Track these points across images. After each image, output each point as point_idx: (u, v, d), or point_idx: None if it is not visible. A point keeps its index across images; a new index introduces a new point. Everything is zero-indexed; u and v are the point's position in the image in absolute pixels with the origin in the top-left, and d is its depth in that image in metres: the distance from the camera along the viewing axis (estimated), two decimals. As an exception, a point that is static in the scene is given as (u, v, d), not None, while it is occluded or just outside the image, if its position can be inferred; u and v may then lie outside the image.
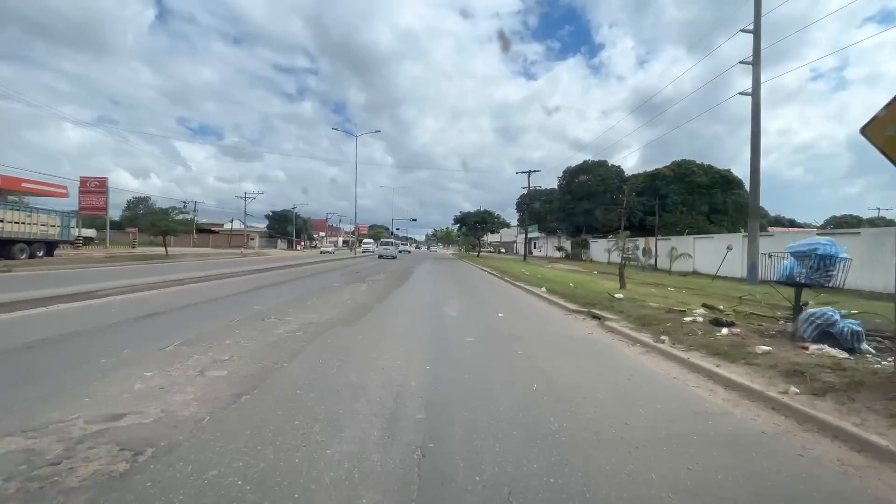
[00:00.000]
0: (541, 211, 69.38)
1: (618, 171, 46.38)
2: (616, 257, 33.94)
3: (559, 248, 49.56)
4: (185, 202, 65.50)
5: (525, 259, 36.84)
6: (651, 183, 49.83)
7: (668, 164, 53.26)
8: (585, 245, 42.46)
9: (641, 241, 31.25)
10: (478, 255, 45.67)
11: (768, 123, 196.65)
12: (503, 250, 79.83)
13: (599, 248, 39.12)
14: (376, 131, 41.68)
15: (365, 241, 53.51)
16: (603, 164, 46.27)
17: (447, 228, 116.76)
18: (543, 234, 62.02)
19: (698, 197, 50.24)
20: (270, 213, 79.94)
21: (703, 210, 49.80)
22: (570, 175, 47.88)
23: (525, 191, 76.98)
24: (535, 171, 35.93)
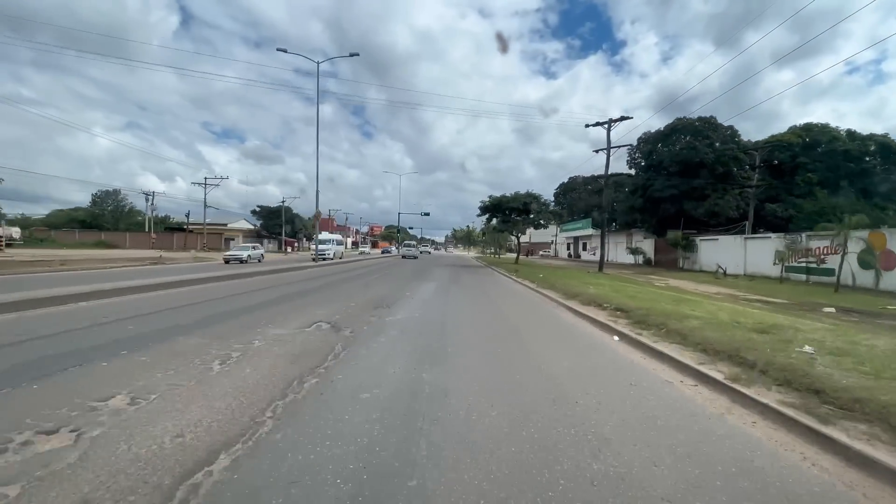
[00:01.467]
0: (591, 202, 53.67)
1: (731, 133, 30.53)
2: (779, 268, 18.15)
3: (634, 251, 34.03)
4: (147, 194, 53.59)
5: (601, 269, 21.80)
6: (769, 155, 33.64)
7: (786, 129, 36.82)
8: (689, 245, 26.89)
9: (865, 234, 15.53)
10: (516, 262, 30.80)
11: (799, 119, 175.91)
12: (547, 252, 64.11)
13: (730, 251, 23.51)
14: (353, 54, 21.47)
15: (323, 238, 30.96)
16: (709, 122, 30.52)
17: (468, 227, 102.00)
18: (596, 231, 46.41)
19: (845, 174, 33.75)
20: (257, 209, 67.55)
21: (849, 192, 33.20)
22: (654, 142, 32.33)
23: (561, 184, 61.21)
24: (622, 119, 20.89)
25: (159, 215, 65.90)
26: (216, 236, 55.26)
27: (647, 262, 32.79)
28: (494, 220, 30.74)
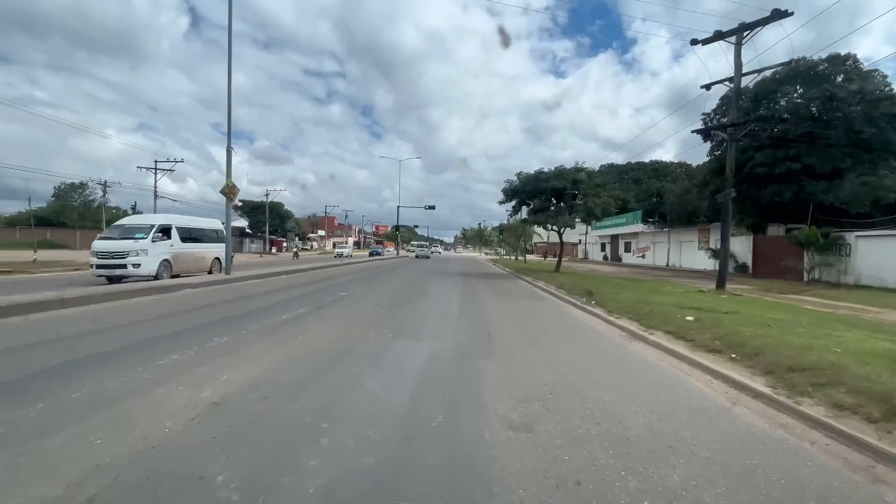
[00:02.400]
0: (629, 191, 44.02)
1: (881, 79, 20.65)
2: None
3: (717, 253, 24.29)
4: (102, 183, 45.43)
5: (721, 285, 12.43)
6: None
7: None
8: (831, 246, 17.28)
9: None
10: (557, 269, 21.43)
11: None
12: (590, 257, 53.17)
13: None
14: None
15: (126, 223, 12.82)
16: (844, 63, 20.73)
17: (479, 225, 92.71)
18: (649, 227, 36.72)
19: None
20: (240, 203, 59.07)
21: None
22: (752, 100, 22.59)
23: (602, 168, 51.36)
24: (777, 17, 11.62)
25: (118, 210, 58.13)
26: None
27: (741, 269, 23.14)
28: (524, 210, 21.50)
